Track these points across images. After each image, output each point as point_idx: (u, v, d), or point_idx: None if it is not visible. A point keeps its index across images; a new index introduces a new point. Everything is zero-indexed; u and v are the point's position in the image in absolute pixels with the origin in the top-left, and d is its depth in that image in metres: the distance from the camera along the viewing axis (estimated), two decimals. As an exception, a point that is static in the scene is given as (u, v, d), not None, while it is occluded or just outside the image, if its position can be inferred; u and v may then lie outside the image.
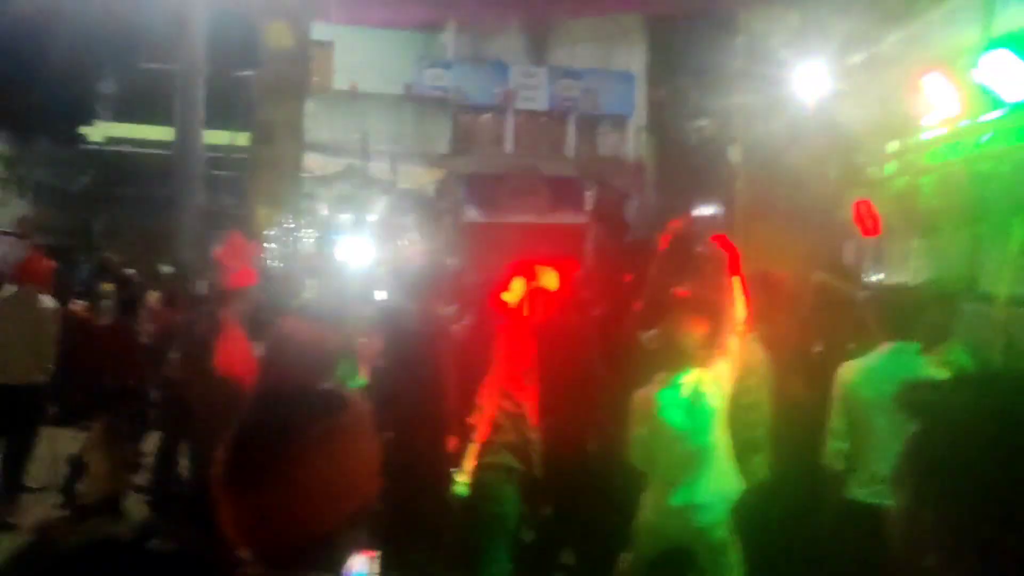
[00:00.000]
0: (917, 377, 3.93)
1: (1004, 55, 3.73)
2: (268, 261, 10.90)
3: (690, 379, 3.59)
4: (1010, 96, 3.75)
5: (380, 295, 6.50)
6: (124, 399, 5.06)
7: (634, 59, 17.91)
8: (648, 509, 3.64)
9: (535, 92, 17.29)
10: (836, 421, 3.53)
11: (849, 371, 3.54)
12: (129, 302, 6.93)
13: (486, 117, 17.24)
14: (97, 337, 6.76)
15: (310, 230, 11.26)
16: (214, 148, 12.13)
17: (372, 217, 12.15)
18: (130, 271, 8.40)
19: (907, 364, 3.59)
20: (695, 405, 3.58)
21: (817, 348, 4.41)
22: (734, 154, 14.50)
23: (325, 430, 1.58)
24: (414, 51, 17.89)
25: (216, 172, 11.64)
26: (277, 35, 10.59)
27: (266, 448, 1.56)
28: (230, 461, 1.55)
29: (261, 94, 10.66)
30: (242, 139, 11.58)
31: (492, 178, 16.69)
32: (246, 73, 11.35)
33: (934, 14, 5.39)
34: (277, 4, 10.42)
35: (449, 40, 17.64)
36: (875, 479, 3.36)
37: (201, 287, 5.85)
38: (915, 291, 4.64)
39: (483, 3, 11.03)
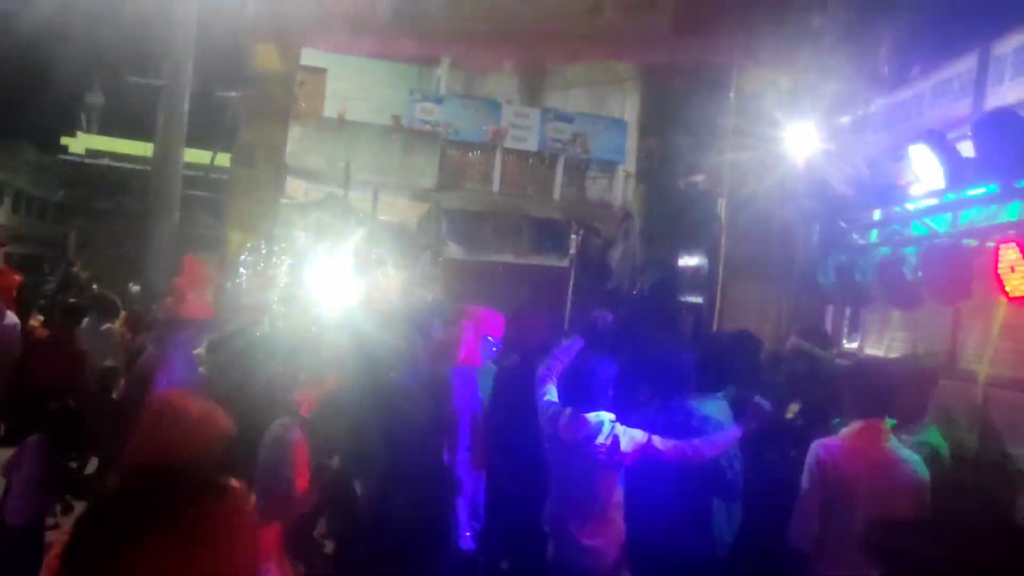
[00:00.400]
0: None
1: (994, 130, 3.59)
2: (238, 287, 10.63)
3: None
4: (997, 171, 3.61)
5: (352, 327, 6.23)
6: (61, 419, 4.77)
7: (627, 107, 17.93)
8: None
9: (526, 132, 17.23)
10: (808, 503, 3.34)
11: (824, 449, 3.38)
12: (75, 318, 6.64)
13: (475, 154, 17.14)
14: (45, 354, 6.47)
15: (285, 257, 11.00)
16: (193, 167, 11.95)
17: (349, 247, 11.92)
18: (97, 288, 8.14)
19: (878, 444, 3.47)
20: None
21: (791, 414, 4.26)
22: (721, 209, 14.45)
23: (191, 519, 1.36)
24: (407, 83, 17.83)
25: (194, 191, 11.44)
26: (266, 57, 10.46)
27: (119, 532, 1.33)
28: (77, 537, 1.32)
29: (245, 116, 10.49)
30: (223, 160, 11.40)
31: (476, 215, 16.55)
32: (231, 93, 11.20)
33: (925, 84, 5.30)
34: (268, 27, 10.31)
35: (442, 75, 17.62)
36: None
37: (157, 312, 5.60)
38: (893, 365, 4.49)
39: (477, 44, 10.95)
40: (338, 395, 4.63)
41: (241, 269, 10.52)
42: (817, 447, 3.40)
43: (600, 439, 3.61)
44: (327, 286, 10.61)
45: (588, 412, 3.69)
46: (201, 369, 4.91)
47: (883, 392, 3.50)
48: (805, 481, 3.36)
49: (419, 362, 4.66)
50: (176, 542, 1.32)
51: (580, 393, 3.76)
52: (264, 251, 10.81)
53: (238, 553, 1.38)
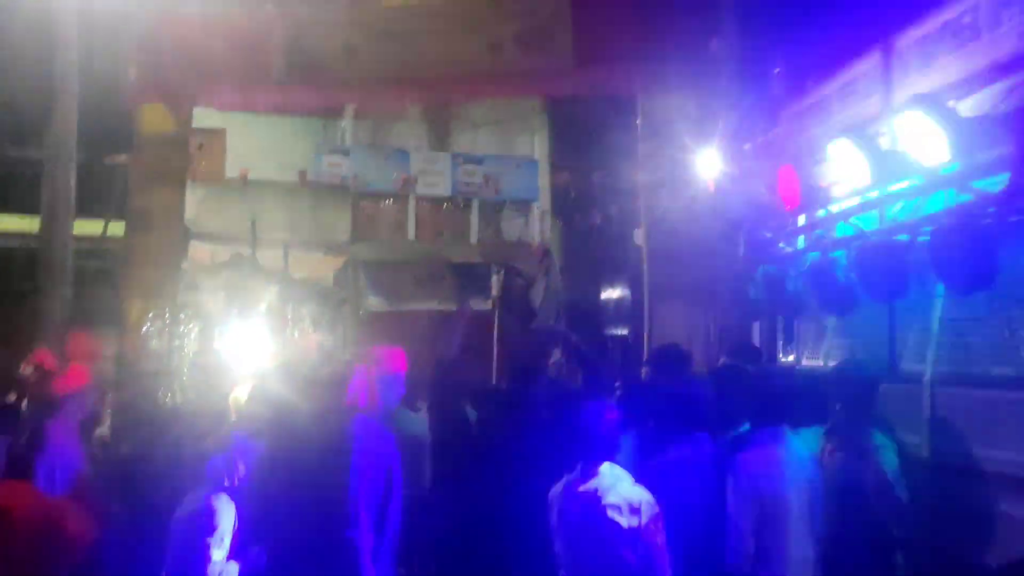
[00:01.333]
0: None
1: (916, 117, 3.47)
2: (143, 357, 9.97)
3: None
4: (925, 160, 3.48)
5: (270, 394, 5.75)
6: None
7: (537, 144, 17.90)
8: None
9: (437, 178, 16.98)
10: (741, 520, 3.32)
11: (749, 464, 3.45)
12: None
13: (387, 203, 16.78)
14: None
15: (192, 324, 10.40)
16: (85, 239, 11.25)
17: (262, 308, 11.38)
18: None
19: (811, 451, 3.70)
20: None
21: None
22: (639, 236, 14.44)
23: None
24: (312, 137, 17.40)
25: (87, 263, 10.75)
26: (155, 119, 9.95)
27: None
28: None
29: (137, 180, 9.92)
30: (116, 228, 10.76)
31: (395, 265, 16.13)
32: (121, 158, 10.63)
33: (831, 87, 5.25)
34: (154, 87, 9.81)
35: (347, 126, 17.27)
36: None
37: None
38: (833, 373, 4.36)
39: (377, 90, 10.69)
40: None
41: (145, 339, 9.89)
42: (742, 463, 3.46)
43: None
44: (241, 350, 10.06)
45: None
46: (100, 431, 4.48)
47: (793, 400, 3.73)
48: (734, 499, 3.41)
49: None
50: None
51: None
52: (169, 318, 10.20)
53: None
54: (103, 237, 11.05)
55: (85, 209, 10.25)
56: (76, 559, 1.62)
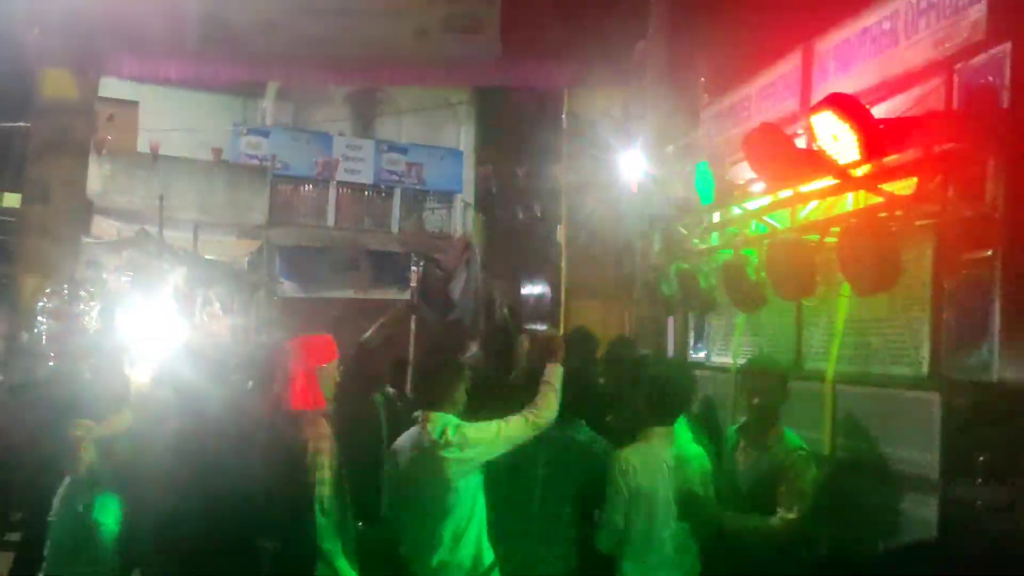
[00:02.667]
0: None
1: (828, 118, 3.50)
2: (36, 336, 9.44)
3: None
4: (839, 158, 3.51)
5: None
6: None
7: (462, 135, 17.83)
8: None
9: (360, 164, 16.74)
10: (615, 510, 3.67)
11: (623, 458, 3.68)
12: None
13: (307, 188, 16.46)
14: None
15: (92, 302, 9.90)
16: (-23, 208, 10.64)
17: (168, 288, 10.92)
18: None
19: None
20: None
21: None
22: (560, 233, 14.46)
23: None
24: (230, 116, 16.92)
25: (-22, 234, 10.17)
26: (59, 85, 9.43)
27: None
28: None
29: (36, 149, 9.39)
30: (11, 199, 10.18)
31: (311, 251, 15.82)
32: (19, 125, 10.05)
33: (751, 88, 5.30)
34: (59, 51, 9.30)
35: (268, 106, 16.87)
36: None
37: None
38: (744, 368, 4.41)
39: (298, 68, 10.39)
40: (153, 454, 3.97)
41: (40, 317, 9.38)
42: (618, 457, 3.68)
43: None
44: (145, 331, 9.62)
45: None
46: None
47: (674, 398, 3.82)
48: (611, 490, 3.64)
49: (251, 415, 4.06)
50: None
51: None
52: (67, 295, 9.70)
53: None
54: (-2, 207, 10.46)
55: (-22, 178, 9.70)
56: None
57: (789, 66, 4.85)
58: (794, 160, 3.97)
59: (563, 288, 9.90)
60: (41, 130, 9.44)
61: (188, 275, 11.66)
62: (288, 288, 15.51)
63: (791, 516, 3.60)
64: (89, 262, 10.85)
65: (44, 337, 9.67)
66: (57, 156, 9.43)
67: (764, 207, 4.50)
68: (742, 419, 4.05)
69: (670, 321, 6.51)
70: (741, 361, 4.94)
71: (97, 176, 11.24)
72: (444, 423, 3.62)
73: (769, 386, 3.89)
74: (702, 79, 7.83)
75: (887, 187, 3.63)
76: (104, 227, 12.68)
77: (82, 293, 10.23)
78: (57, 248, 9.37)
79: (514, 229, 18.43)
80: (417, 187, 17.23)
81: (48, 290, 9.52)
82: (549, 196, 17.14)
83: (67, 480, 3.82)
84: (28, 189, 9.43)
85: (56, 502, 3.84)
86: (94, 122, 10.45)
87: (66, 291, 9.88)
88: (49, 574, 3.78)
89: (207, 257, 13.28)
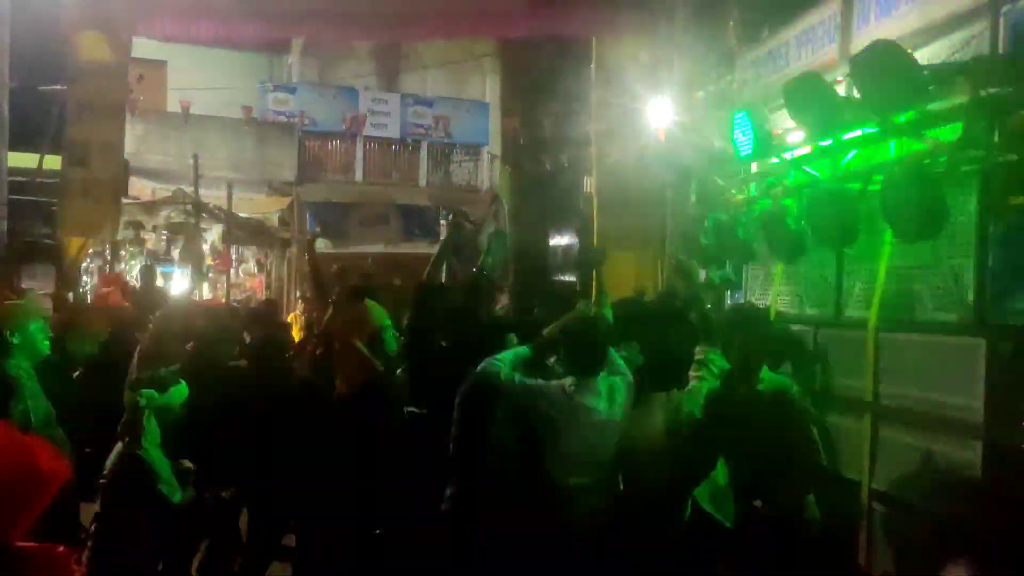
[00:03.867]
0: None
1: (870, 66, 3.49)
2: (82, 295, 9.70)
3: None
4: (880, 108, 3.52)
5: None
6: None
7: (488, 88, 17.71)
8: None
9: (386, 119, 16.72)
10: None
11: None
12: None
13: (334, 144, 16.50)
14: None
15: (134, 261, 10.13)
16: (20, 171, 10.80)
17: (204, 246, 11.13)
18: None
19: None
20: None
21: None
22: (590, 184, 14.40)
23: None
24: (256, 74, 16.92)
25: (21, 197, 10.34)
26: (93, 48, 9.47)
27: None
28: None
29: (74, 112, 9.48)
30: (52, 162, 10.34)
31: (341, 207, 15.92)
32: (57, 88, 10.15)
33: (788, 33, 5.26)
34: (93, 14, 9.34)
35: (294, 63, 16.83)
36: None
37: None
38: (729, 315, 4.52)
39: (326, 24, 10.34)
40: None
41: (84, 276, 9.60)
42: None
43: None
44: (183, 289, 9.84)
45: None
46: None
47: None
48: None
49: None
50: None
51: None
52: (109, 255, 9.91)
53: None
54: (39, 170, 10.60)
55: (20, 140, 9.81)
56: (50, 497, 1.57)
57: (829, 11, 4.81)
58: (836, 108, 3.98)
59: (594, 239, 9.91)
60: (78, 93, 9.50)
61: (224, 233, 11.84)
62: (319, 244, 15.68)
63: (811, 460, 3.80)
64: (129, 222, 11.06)
65: (89, 297, 9.93)
66: (95, 118, 9.51)
67: (804, 156, 4.51)
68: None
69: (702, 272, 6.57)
70: (780, 310, 5.00)
71: (130, 136, 11.32)
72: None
73: (758, 332, 3.98)
74: (731, 23, 7.74)
75: (931, 133, 3.63)
76: (139, 187, 12.85)
77: (123, 253, 10.46)
78: (98, 209, 9.52)
79: (541, 180, 18.37)
80: (444, 140, 17.19)
81: (91, 250, 9.71)
82: (576, 146, 17.04)
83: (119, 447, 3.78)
84: (68, 152, 9.54)
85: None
86: (128, 84, 10.51)
87: (108, 251, 10.11)
88: None
89: (241, 215, 13.45)
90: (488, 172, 17.55)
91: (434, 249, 15.95)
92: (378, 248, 15.46)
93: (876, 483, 3.93)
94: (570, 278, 18.28)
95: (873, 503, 3.94)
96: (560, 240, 19.78)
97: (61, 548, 1.68)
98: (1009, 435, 3.19)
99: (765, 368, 3.99)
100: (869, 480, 3.93)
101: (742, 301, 5.47)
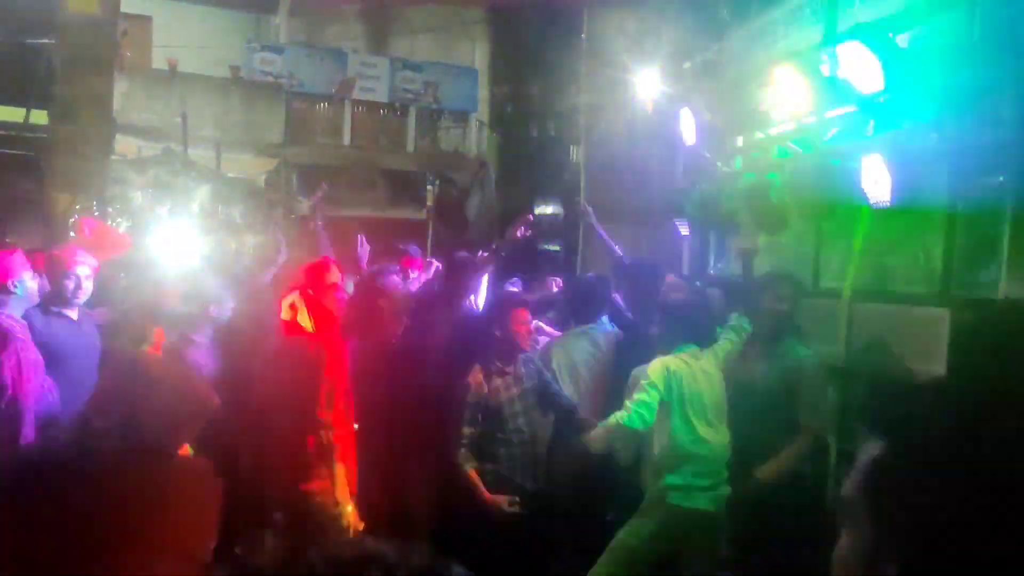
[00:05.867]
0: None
1: (855, 47, 3.65)
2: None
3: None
4: (863, 88, 3.69)
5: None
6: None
7: (477, 54, 17.67)
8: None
9: (375, 83, 16.66)
10: None
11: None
12: None
13: (322, 106, 16.44)
14: None
15: (120, 219, 10.13)
16: (4, 125, 10.76)
17: (193, 206, 11.14)
18: None
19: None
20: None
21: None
22: (577, 153, 14.50)
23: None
24: (242, 33, 16.78)
25: (7, 151, 10.31)
26: (79, 0, 9.43)
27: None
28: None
29: (61, 67, 9.45)
30: (38, 116, 10.29)
31: (328, 170, 15.92)
32: (44, 42, 10.08)
33: (778, 12, 5.39)
34: (81, -35, 9.29)
35: (282, 23, 16.70)
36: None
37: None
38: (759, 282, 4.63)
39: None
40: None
41: (72, 233, 9.62)
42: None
43: None
44: (172, 249, 9.88)
45: None
46: None
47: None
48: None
49: None
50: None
51: None
52: (97, 212, 9.92)
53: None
54: (25, 125, 10.55)
55: (5, 94, 9.77)
56: (205, 421, 1.80)
57: (816, -9, 4.95)
58: (819, 89, 4.15)
59: (578, 208, 10.04)
60: (66, 47, 9.47)
61: (212, 194, 11.86)
62: (305, 207, 15.68)
63: (815, 425, 3.85)
64: (116, 180, 11.04)
65: (62, 251, 9.94)
66: (82, 73, 9.47)
67: (788, 132, 4.68)
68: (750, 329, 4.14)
69: (686, 242, 6.75)
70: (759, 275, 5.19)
71: (115, 92, 11.26)
72: None
73: (790, 293, 4.08)
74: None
75: (909, 115, 3.81)
76: (124, 144, 12.78)
77: (109, 210, 10.46)
78: (86, 166, 9.52)
79: (528, 148, 18.42)
80: (433, 106, 17.17)
81: (78, 207, 9.72)
82: (564, 116, 17.10)
83: None
84: (55, 107, 9.53)
85: None
86: (116, 38, 10.46)
87: (95, 208, 10.11)
88: None
89: (228, 175, 13.43)
90: (476, 139, 17.59)
91: (420, 215, 16.10)
92: (364, 212, 15.51)
93: (843, 443, 4.16)
94: (554, 247, 18.44)
95: (841, 463, 4.17)
96: (545, 209, 19.89)
97: (207, 460, 1.92)
98: (971, 399, 3.40)
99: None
100: (837, 440, 4.16)
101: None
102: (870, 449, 1.69)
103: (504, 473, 3.92)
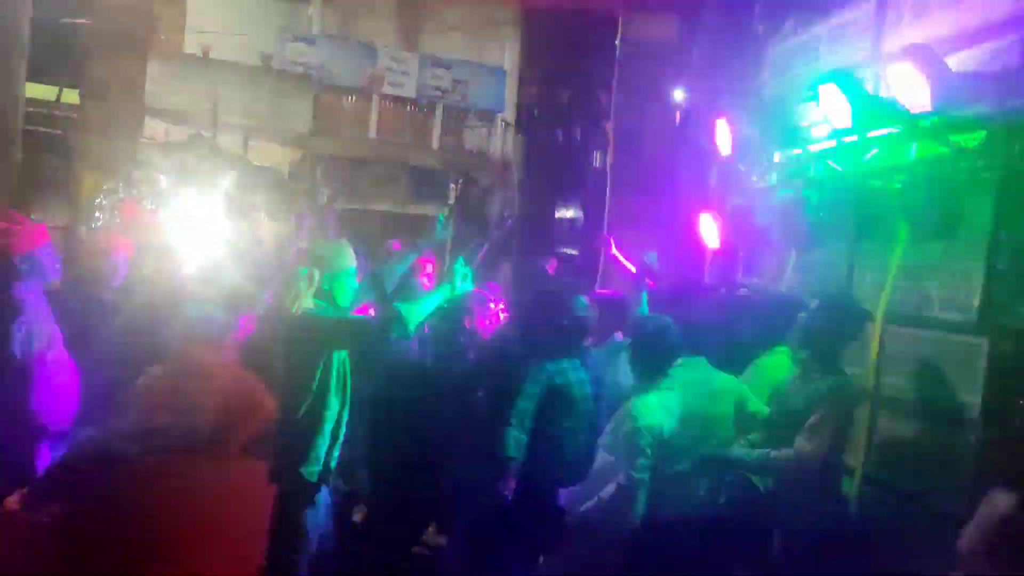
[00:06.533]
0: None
1: (906, 67, 3.60)
2: (93, 231, 9.76)
3: None
4: (911, 108, 3.63)
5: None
6: None
7: (507, 55, 17.65)
8: None
9: (404, 78, 16.68)
10: None
11: None
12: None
13: (350, 99, 16.47)
14: None
15: (145, 201, 10.17)
16: (37, 103, 10.82)
17: (218, 193, 11.17)
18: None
19: None
20: None
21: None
22: (599, 159, 14.44)
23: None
24: (275, 22, 16.83)
25: (37, 128, 10.37)
26: (118, -19, 9.49)
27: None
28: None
29: (96, 47, 9.50)
30: (70, 96, 10.36)
31: (353, 163, 15.95)
32: (79, 21, 10.14)
33: (821, 28, 5.34)
34: (120, -52, 9.35)
35: (314, 13, 16.74)
36: None
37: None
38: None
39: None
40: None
41: (97, 213, 9.66)
42: None
43: None
44: (195, 233, 9.90)
45: None
46: None
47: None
48: None
49: None
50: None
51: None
52: (122, 195, 9.96)
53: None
54: (57, 103, 10.63)
55: (39, 72, 9.82)
56: (262, 423, 1.81)
57: (862, 11, 4.89)
58: (862, 107, 4.09)
59: (606, 216, 10.01)
60: (101, 27, 9.52)
61: (238, 181, 11.90)
62: (328, 198, 15.72)
63: (807, 447, 3.57)
64: (143, 162, 11.08)
65: (100, 233, 9.99)
66: (116, 55, 9.52)
67: (828, 150, 4.62)
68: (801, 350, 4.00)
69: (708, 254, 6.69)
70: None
71: (147, 76, 11.33)
72: None
73: (855, 323, 3.93)
74: (756, 10, 7.77)
75: (955, 138, 3.75)
76: (153, 128, 12.85)
77: (135, 192, 10.51)
78: (114, 147, 9.57)
79: (552, 152, 18.40)
80: (460, 104, 17.18)
81: (105, 187, 9.77)
82: (590, 121, 17.07)
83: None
84: (87, 87, 9.58)
85: None
86: (151, 21, 10.51)
87: (121, 190, 10.16)
88: None
89: (254, 163, 13.48)
90: (501, 140, 17.58)
91: (442, 211, 16.08)
92: (385, 207, 15.53)
93: (869, 468, 4.10)
94: (571, 251, 18.39)
95: (864, 488, 4.12)
96: (565, 213, 19.87)
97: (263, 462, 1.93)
98: (1003, 431, 3.35)
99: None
100: (863, 465, 4.10)
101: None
102: (994, 504, 1.60)
103: None
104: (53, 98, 10.92)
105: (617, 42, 10.44)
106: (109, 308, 4.34)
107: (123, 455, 1.53)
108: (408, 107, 16.92)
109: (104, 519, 1.36)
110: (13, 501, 1.55)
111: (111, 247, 4.35)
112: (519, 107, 17.77)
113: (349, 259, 4.16)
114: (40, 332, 4.06)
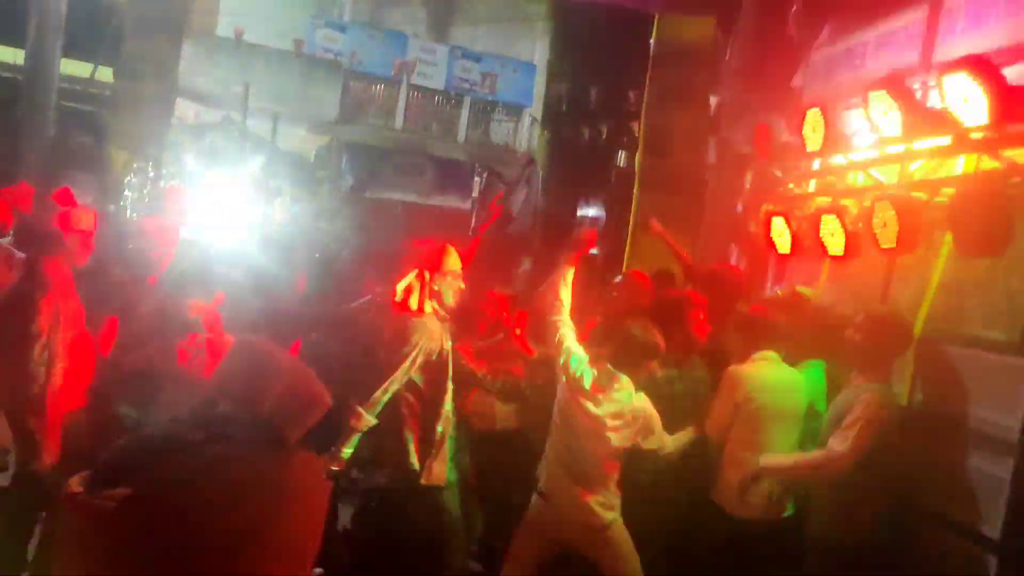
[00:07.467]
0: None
1: (962, 77, 3.51)
2: (122, 210, 9.81)
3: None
4: (966, 120, 3.54)
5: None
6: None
7: (537, 50, 17.60)
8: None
9: (433, 69, 16.67)
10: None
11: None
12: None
13: (378, 88, 16.47)
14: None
15: (174, 181, 10.21)
16: (71, 79, 10.88)
17: (245, 175, 11.20)
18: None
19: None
20: None
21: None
22: (628, 160, 14.31)
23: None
24: (307, 7, 16.86)
25: (71, 104, 10.43)
26: (155, -38, 9.52)
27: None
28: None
29: (132, 26, 9.54)
30: (104, 74, 10.41)
31: (378, 151, 15.96)
32: (116, 0, 10.19)
33: (869, 35, 5.24)
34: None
35: (346, 1, 16.76)
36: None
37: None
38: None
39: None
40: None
41: (126, 192, 9.71)
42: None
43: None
44: (220, 214, 9.92)
45: None
46: None
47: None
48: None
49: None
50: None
51: None
52: (152, 174, 10.00)
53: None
54: (90, 80, 10.68)
55: (75, 49, 9.88)
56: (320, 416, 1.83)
57: (913, 16, 4.79)
58: (910, 116, 4.00)
59: (632, 218, 9.90)
60: (137, 7, 9.56)
61: (265, 166, 11.92)
62: (352, 186, 15.74)
63: (841, 448, 3.55)
64: (172, 143, 11.12)
65: (129, 212, 10.04)
66: (151, 35, 9.57)
67: (871, 159, 4.53)
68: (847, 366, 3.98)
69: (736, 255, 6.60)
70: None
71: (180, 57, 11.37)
72: None
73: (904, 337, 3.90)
74: (795, 9, 7.64)
75: (1007, 153, 3.66)
76: (184, 109, 12.91)
77: (164, 172, 10.54)
78: (146, 127, 9.62)
79: (577, 149, 18.31)
80: (488, 97, 17.13)
81: (135, 167, 9.82)
82: (617, 120, 16.95)
83: None
84: (121, 66, 9.63)
85: None
86: (188, 3, 10.55)
87: (151, 169, 10.19)
88: None
89: (281, 148, 13.51)
90: (527, 135, 17.52)
91: (465, 204, 16.08)
92: (409, 197, 15.52)
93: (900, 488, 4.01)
94: (592, 250, 18.34)
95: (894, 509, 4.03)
96: (588, 211, 19.78)
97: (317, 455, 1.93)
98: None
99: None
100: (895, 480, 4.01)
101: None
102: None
103: None
104: (87, 75, 10.98)
105: (651, 40, 10.30)
106: (146, 291, 4.34)
107: (187, 442, 1.52)
108: (436, 98, 16.91)
109: (167, 506, 1.35)
110: (76, 483, 1.55)
111: (158, 233, 4.37)
112: (547, 103, 17.71)
113: (457, 262, 4.20)
114: (65, 309, 4.08)
